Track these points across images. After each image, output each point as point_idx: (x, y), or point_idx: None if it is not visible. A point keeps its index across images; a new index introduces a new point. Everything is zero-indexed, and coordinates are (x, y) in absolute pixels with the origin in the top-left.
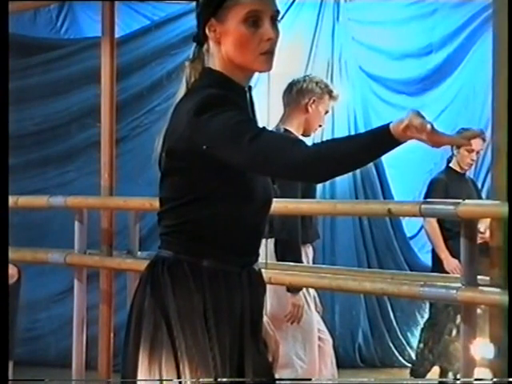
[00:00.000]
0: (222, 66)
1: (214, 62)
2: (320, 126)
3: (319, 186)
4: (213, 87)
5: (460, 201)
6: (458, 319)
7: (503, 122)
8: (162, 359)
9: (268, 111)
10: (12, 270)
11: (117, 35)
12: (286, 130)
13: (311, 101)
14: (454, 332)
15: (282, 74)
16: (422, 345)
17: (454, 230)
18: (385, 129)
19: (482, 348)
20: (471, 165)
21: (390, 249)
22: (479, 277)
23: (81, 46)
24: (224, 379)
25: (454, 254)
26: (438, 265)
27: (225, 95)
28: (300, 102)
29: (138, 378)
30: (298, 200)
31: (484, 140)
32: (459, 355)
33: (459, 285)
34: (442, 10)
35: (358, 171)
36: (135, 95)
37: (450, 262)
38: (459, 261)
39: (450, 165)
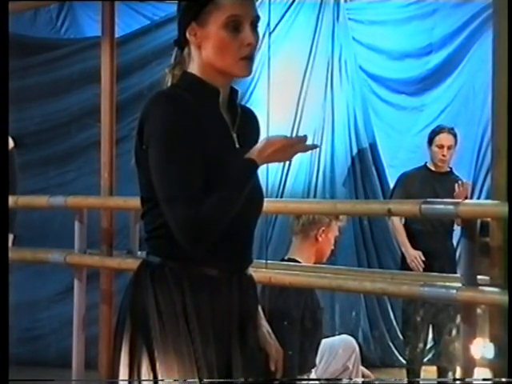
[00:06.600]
0: (202, 70)
1: (194, 67)
2: (332, 250)
3: (319, 187)
4: (173, 87)
5: (460, 201)
6: (458, 319)
7: (503, 122)
8: (142, 363)
9: (268, 111)
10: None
11: (117, 35)
12: (295, 259)
13: (320, 231)
14: (454, 332)
15: (283, 73)
16: (421, 344)
17: (415, 228)
18: (251, 163)
19: (482, 348)
20: (444, 161)
21: (390, 249)
22: (479, 277)
23: (81, 45)
24: (209, 380)
25: (416, 247)
26: (403, 258)
27: (175, 94)
28: (309, 234)
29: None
30: (298, 200)
31: (455, 136)
32: (459, 355)
33: (459, 285)
34: (442, 10)
35: (357, 171)
36: (135, 95)
37: (410, 252)
38: (423, 253)
39: (427, 164)
